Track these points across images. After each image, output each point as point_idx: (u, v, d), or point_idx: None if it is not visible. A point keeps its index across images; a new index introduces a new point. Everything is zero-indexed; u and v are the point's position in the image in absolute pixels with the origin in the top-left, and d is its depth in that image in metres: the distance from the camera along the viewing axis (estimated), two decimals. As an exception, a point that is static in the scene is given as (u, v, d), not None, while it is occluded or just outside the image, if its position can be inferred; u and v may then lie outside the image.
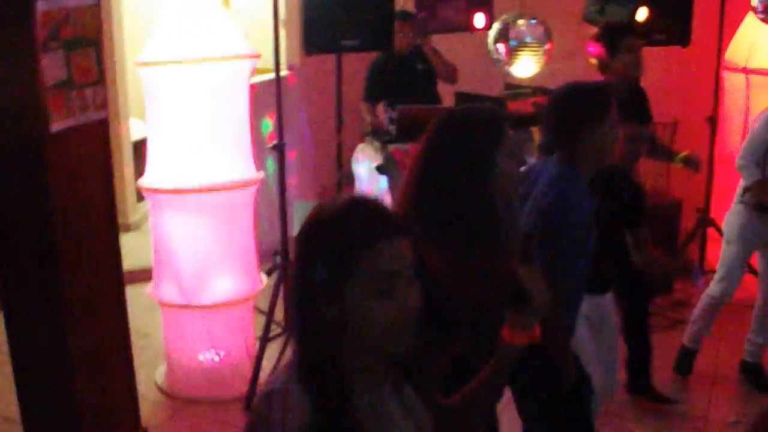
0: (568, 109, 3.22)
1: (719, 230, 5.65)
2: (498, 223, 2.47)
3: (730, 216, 5.05)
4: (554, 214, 2.88)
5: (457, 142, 2.47)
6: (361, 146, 5.78)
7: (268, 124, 6.37)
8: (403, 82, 6.12)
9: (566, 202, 3.00)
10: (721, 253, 5.10)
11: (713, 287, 5.06)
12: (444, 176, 2.45)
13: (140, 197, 6.97)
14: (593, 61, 4.70)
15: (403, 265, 1.68)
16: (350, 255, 1.64)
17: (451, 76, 6.27)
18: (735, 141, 6.12)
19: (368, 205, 1.75)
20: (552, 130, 3.29)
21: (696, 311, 5.14)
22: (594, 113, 3.14)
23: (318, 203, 1.75)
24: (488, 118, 2.53)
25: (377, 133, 5.54)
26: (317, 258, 1.67)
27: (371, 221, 1.69)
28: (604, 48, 4.62)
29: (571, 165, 3.15)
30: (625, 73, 4.57)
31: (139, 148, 7.03)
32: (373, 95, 6.28)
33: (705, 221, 6.34)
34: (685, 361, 5.18)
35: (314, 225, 1.72)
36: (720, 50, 6.18)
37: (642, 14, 5.56)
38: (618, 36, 4.63)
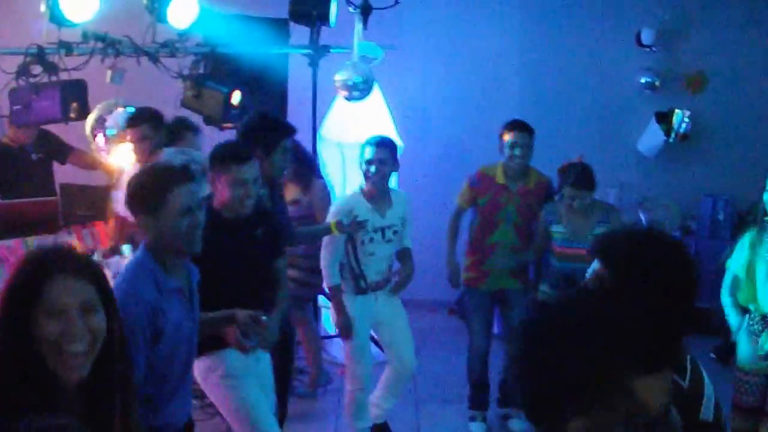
0: None
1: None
2: None
3: None
4: None
5: None
6: (-39, 243, 5.52)
7: None
8: (18, 173, 5.97)
9: None
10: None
11: (349, 383, 5.10)
12: None
13: None
14: None
15: (73, 300, 1.95)
16: (30, 289, 1.93)
17: None
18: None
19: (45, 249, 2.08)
20: None
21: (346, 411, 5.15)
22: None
23: None
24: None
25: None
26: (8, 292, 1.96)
27: (44, 260, 1.99)
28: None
29: None
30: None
31: None
32: None
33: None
34: None
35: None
36: (314, 128, 6.63)
37: (236, 98, 5.85)
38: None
